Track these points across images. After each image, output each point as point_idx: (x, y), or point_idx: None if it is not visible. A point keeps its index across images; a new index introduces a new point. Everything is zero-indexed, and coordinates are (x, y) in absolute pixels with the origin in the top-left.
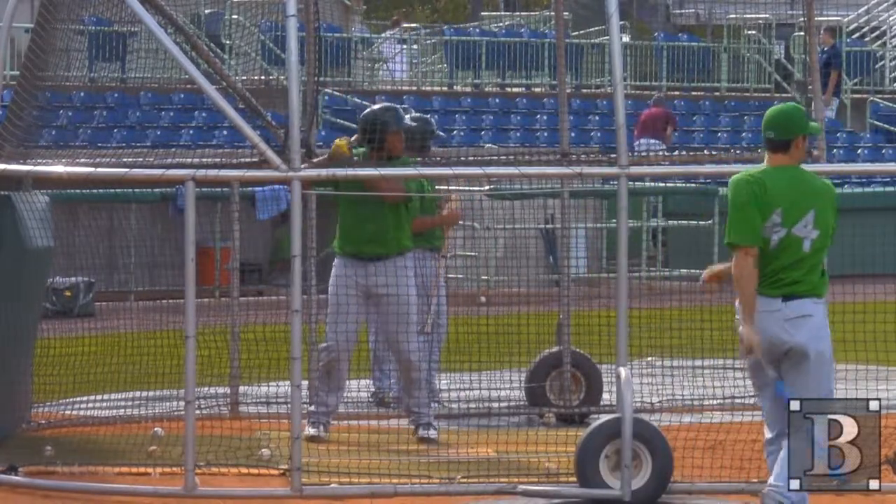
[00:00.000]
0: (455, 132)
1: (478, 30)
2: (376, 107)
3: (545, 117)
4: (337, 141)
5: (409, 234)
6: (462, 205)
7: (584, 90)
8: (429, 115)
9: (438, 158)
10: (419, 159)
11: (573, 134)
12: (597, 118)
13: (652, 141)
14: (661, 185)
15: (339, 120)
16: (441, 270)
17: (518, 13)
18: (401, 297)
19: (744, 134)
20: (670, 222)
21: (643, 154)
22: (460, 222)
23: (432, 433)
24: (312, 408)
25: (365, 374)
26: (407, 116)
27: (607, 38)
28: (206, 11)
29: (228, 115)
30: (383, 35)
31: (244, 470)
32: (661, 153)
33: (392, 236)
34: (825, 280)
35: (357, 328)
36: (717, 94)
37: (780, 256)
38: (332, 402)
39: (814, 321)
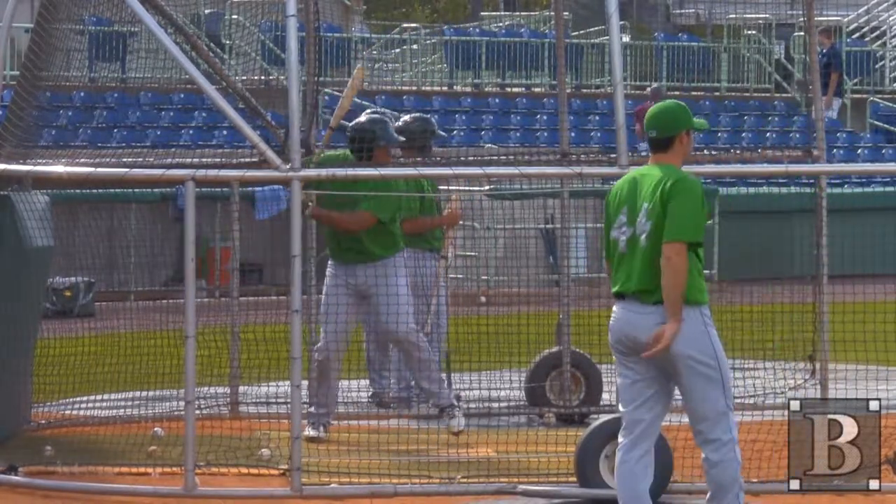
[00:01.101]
0: (455, 132)
1: (478, 30)
2: (363, 118)
3: (545, 117)
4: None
5: (394, 240)
6: (462, 205)
7: (584, 90)
8: (429, 115)
9: (438, 158)
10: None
11: (573, 134)
12: (597, 118)
13: None
14: None
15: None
16: (441, 271)
17: (518, 13)
18: (390, 287)
19: (744, 134)
20: None
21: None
22: (460, 222)
23: (461, 422)
24: (312, 409)
25: (364, 375)
26: (407, 116)
27: (607, 38)
28: (206, 11)
29: (228, 115)
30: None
31: (244, 470)
32: None
33: (369, 249)
34: (694, 284)
35: (348, 328)
36: (717, 94)
37: (629, 254)
38: (330, 403)
39: (684, 325)
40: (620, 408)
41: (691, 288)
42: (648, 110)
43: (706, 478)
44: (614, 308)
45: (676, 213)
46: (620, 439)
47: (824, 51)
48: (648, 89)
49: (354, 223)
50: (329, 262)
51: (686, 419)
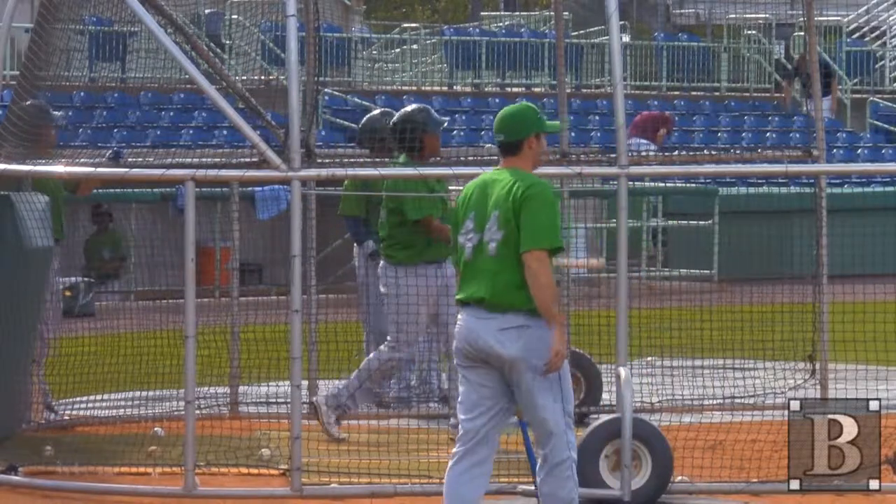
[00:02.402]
0: (455, 132)
1: (478, 30)
2: (408, 109)
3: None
4: None
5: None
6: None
7: (584, 90)
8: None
9: (438, 158)
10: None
11: (573, 134)
12: (597, 118)
13: (641, 141)
14: (661, 185)
15: (338, 120)
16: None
17: (518, 13)
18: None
19: (744, 134)
20: (670, 222)
21: (636, 153)
22: None
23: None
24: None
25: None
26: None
27: (607, 38)
28: (206, 11)
29: (228, 115)
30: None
31: (244, 470)
32: (652, 153)
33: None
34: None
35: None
36: (717, 94)
37: (475, 261)
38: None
39: (530, 333)
40: (459, 416)
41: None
42: (499, 113)
43: (539, 492)
44: (459, 315)
45: (531, 221)
46: (455, 448)
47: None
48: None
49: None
50: (395, 265)
51: (686, 419)
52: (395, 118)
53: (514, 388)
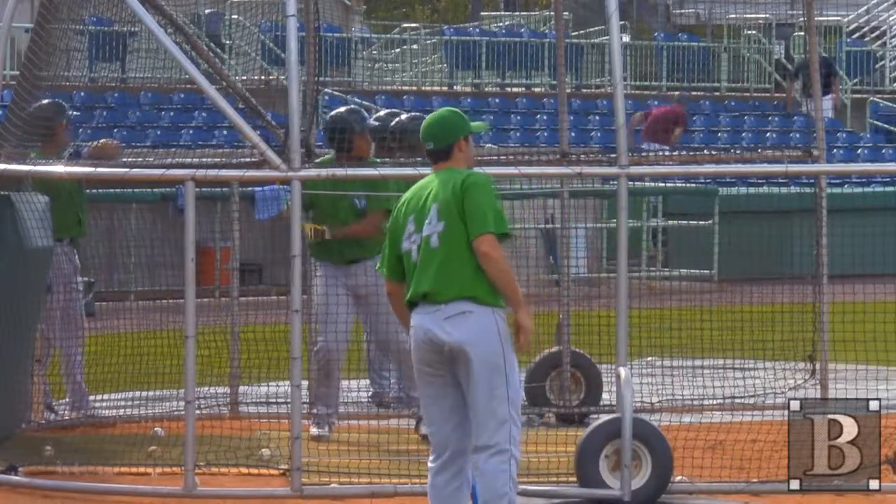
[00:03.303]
0: None
1: (478, 30)
2: (342, 109)
3: (545, 117)
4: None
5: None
6: None
7: (584, 90)
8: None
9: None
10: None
11: (573, 134)
12: (597, 118)
13: (654, 145)
14: (661, 185)
15: None
16: None
17: (518, 13)
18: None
19: (744, 134)
20: (670, 222)
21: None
22: None
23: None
24: (315, 409)
25: (364, 375)
26: (405, 116)
27: (607, 38)
28: (206, 11)
29: (228, 115)
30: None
31: (244, 470)
32: (661, 153)
33: (368, 245)
34: (486, 287)
35: (347, 327)
36: (717, 94)
37: (421, 258)
38: (333, 402)
39: (474, 318)
40: (427, 428)
41: (482, 289)
42: (424, 121)
43: (476, 491)
44: (411, 320)
45: (476, 207)
46: (430, 463)
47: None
48: (675, 98)
49: (372, 228)
50: (319, 264)
51: (686, 419)
52: (328, 116)
53: (461, 379)
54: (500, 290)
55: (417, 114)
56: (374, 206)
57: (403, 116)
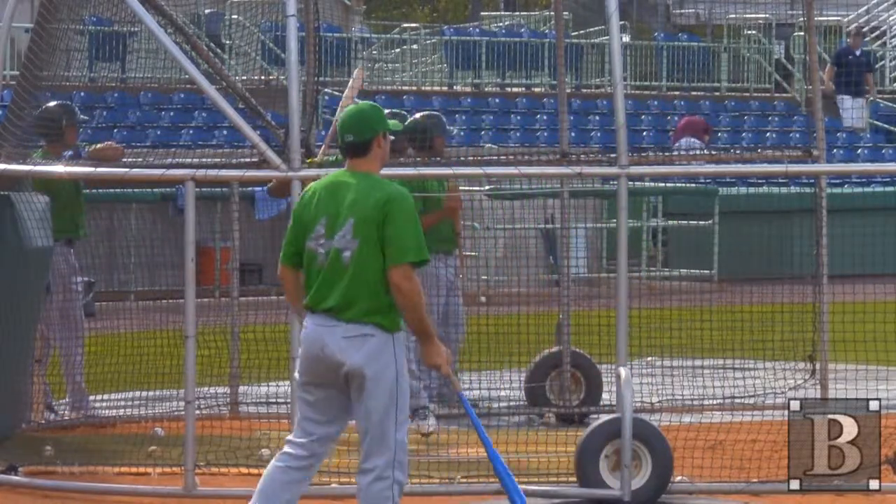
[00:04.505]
0: (455, 132)
1: (478, 30)
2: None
3: (545, 117)
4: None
5: None
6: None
7: (584, 90)
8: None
9: (438, 158)
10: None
11: (573, 134)
12: (597, 118)
13: (692, 140)
14: (661, 185)
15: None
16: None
17: (518, 13)
18: None
19: (744, 134)
20: (670, 222)
21: (685, 152)
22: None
23: (431, 425)
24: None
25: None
26: (418, 115)
27: (607, 38)
28: (206, 11)
29: (228, 115)
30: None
31: (244, 470)
32: (699, 151)
33: None
34: (393, 315)
35: None
36: (717, 94)
37: (328, 268)
38: None
39: (373, 343)
40: (294, 436)
41: (387, 315)
42: (342, 114)
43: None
44: (305, 322)
45: (396, 234)
46: (285, 451)
47: (858, 52)
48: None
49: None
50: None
51: (686, 419)
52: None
53: (353, 400)
54: (408, 322)
55: (432, 112)
56: None
57: (417, 115)
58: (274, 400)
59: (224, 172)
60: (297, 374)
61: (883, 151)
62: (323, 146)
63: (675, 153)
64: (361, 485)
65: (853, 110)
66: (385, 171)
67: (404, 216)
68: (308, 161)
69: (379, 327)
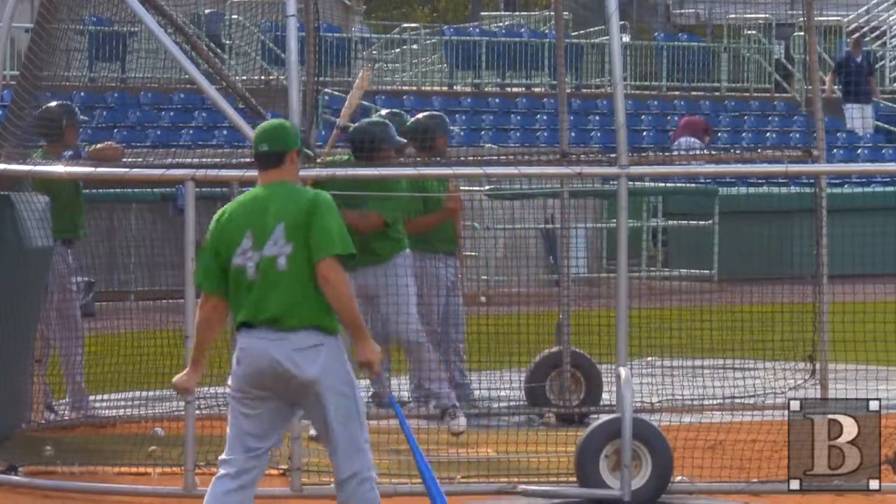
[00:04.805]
0: (455, 132)
1: (478, 30)
2: (364, 122)
3: (545, 117)
4: None
5: (398, 240)
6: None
7: (584, 90)
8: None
9: (438, 158)
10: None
11: (573, 134)
12: (597, 118)
13: (692, 139)
14: (661, 185)
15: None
16: (450, 271)
17: (518, 13)
18: (399, 288)
19: (744, 134)
20: (670, 222)
21: (685, 151)
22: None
23: (461, 423)
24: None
25: (363, 375)
26: (421, 115)
27: (607, 38)
28: (206, 11)
29: (228, 115)
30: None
31: None
32: (698, 151)
33: (375, 250)
34: (333, 314)
35: None
36: (717, 94)
37: (260, 279)
38: None
39: (325, 352)
40: (228, 455)
41: (329, 314)
42: (259, 127)
43: None
44: (239, 340)
45: (322, 228)
46: (222, 470)
47: (859, 59)
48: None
49: (365, 224)
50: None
51: (686, 419)
52: (352, 128)
53: (309, 411)
54: (338, 314)
55: (434, 112)
56: (375, 207)
57: (420, 115)
58: None
59: (224, 172)
60: (230, 390)
61: (883, 151)
62: (327, 147)
63: (675, 153)
64: (346, 489)
65: (863, 119)
66: (385, 171)
67: (329, 213)
68: (315, 161)
69: (324, 332)
